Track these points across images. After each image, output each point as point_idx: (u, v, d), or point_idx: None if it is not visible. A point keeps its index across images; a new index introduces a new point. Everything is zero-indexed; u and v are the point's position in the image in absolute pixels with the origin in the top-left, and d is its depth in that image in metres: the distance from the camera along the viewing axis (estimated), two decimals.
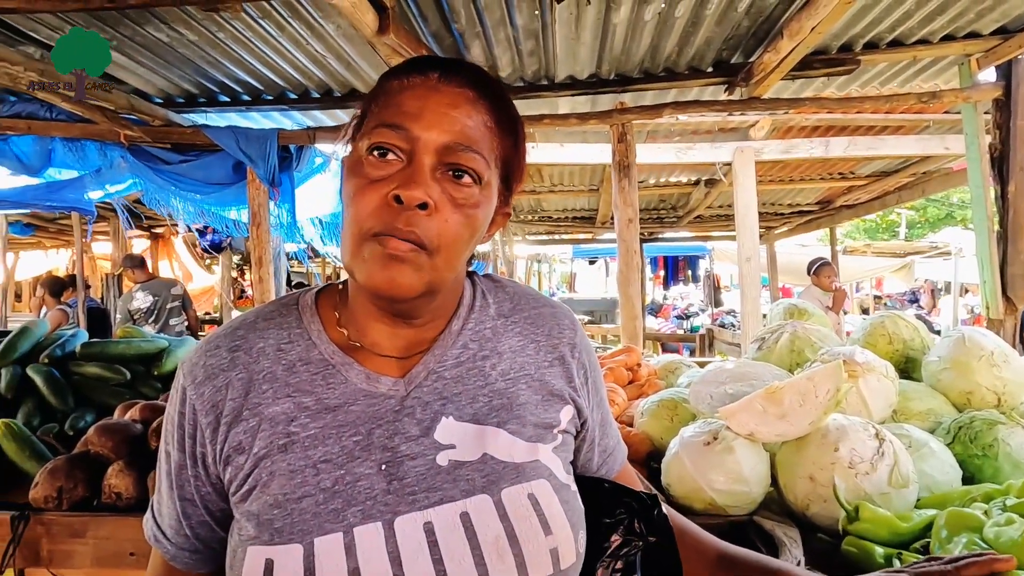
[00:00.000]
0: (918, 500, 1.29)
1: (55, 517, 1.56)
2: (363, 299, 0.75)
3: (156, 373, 2.31)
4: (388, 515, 0.68)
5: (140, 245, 9.26)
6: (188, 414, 0.73)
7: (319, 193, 4.15)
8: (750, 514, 1.40)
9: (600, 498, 0.84)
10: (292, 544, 0.66)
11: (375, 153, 0.69)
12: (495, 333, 0.81)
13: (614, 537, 0.81)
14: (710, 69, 3.22)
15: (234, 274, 10.42)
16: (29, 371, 2.15)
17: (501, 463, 0.73)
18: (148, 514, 0.80)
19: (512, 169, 0.77)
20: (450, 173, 0.69)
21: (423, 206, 0.67)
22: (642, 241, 10.90)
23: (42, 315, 6.43)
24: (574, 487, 0.79)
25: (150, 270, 6.02)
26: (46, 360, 2.20)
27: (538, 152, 4.37)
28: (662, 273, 15.97)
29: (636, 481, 0.95)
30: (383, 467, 0.70)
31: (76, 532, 1.57)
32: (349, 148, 0.75)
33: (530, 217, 9.10)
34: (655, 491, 0.89)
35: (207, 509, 0.75)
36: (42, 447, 1.82)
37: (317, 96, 3.41)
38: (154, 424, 1.75)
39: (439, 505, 0.69)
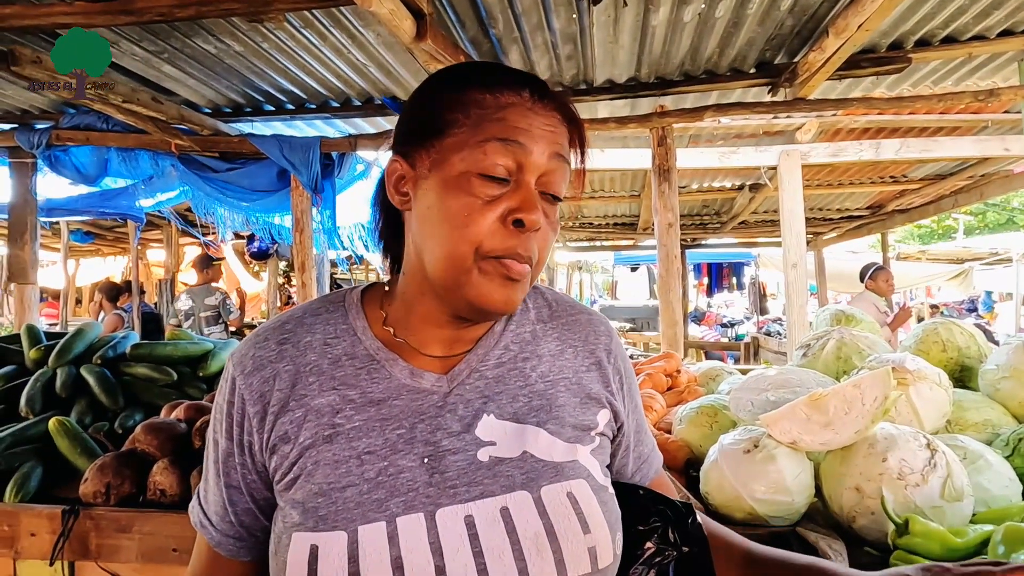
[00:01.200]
0: (974, 515, 1.22)
1: (103, 512, 1.61)
2: (427, 303, 0.77)
3: (201, 374, 2.37)
4: (430, 507, 0.69)
5: (192, 253, 9.56)
6: (237, 403, 0.76)
7: (360, 200, 4.22)
8: (792, 525, 1.36)
9: (635, 504, 0.84)
10: (336, 531, 0.67)
11: (494, 173, 0.71)
12: (535, 337, 0.83)
13: (648, 544, 0.80)
14: (753, 70, 3.15)
15: (281, 280, 10.67)
16: (83, 371, 2.23)
17: (541, 461, 0.74)
18: (194, 501, 0.82)
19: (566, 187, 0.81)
20: (545, 194, 0.73)
21: (537, 229, 0.71)
22: (685, 247, 10.74)
23: (100, 319, 6.70)
24: (611, 489, 0.79)
25: (208, 277, 6.15)
26: (98, 361, 2.27)
27: None
28: (706, 280, 15.69)
29: (671, 489, 0.94)
30: (425, 460, 0.72)
31: (122, 527, 1.61)
32: (431, 156, 0.73)
33: (571, 223, 9.06)
34: (691, 499, 0.88)
35: (252, 497, 0.77)
36: (93, 444, 1.88)
37: (358, 104, 3.47)
38: (198, 423, 1.79)
39: (480, 499, 0.70)
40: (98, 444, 1.91)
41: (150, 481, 1.67)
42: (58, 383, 2.17)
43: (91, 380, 2.19)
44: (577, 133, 0.77)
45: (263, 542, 0.77)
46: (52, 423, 1.87)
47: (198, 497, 0.82)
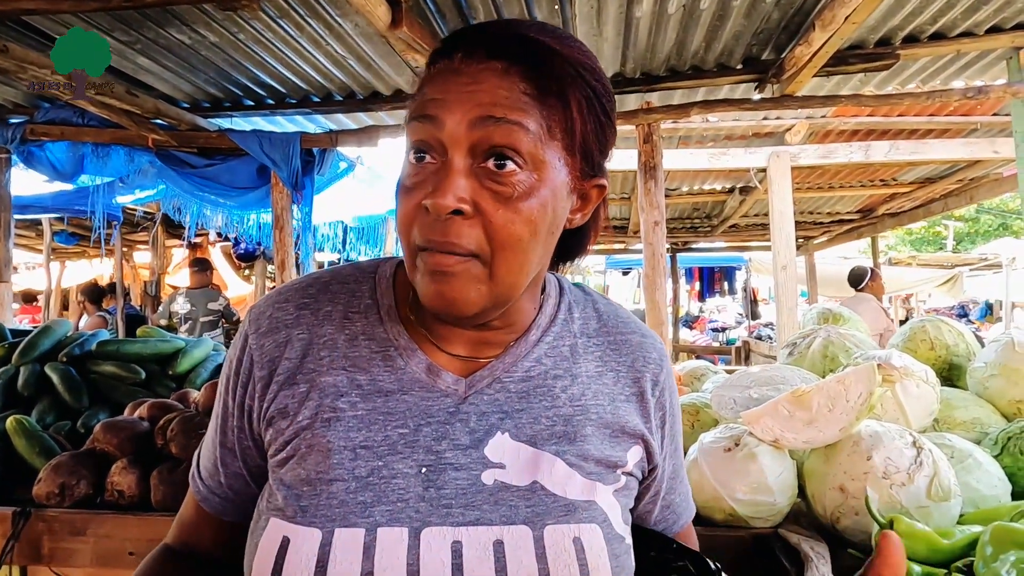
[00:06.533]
0: (961, 515, 1.18)
1: (56, 514, 1.54)
2: None
3: (171, 373, 2.30)
4: (417, 523, 0.63)
5: (179, 254, 9.45)
6: (246, 363, 0.71)
7: (344, 198, 4.15)
8: (775, 527, 1.31)
9: (653, 553, 0.76)
10: (312, 528, 0.62)
11: (412, 155, 0.63)
12: (573, 352, 0.74)
13: None
14: (740, 66, 3.12)
15: (270, 283, 10.55)
16: (47, 369, 2.16)
17: (551, 496, 0.66)
18: (197, 451, 0.79)
19: (578, 136, 0.64)
20: (490, 164, 0.60)
21: (457, 212, 0.59)
22: (676, 251, 10.73)
23: (82, 322, 6.59)
24: (629, 540, 0.71)
25: (205, 279, 6.05)
26: (64, 359, 2.21)
27: None
28: (698, 285, 15.70)
29: (695, 545, 0.86)
30: (423, 470, 0.65)
31: (77, 530, 1.54)
32: None
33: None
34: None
35: (245, 463, 0.73)
36: (52, 444, 1.81)
37: (340, 99, 3.41)
38: (161, 422, 1.73)
39: (473, 526, 0.64)
40: (57, 444, 1.84)
41: (108, 481, 1.60)
42: (20, 381, 2.11)
43: (55, 378, 2.12)
44: (537, 69, 0.61)
45: (249, 505, 0.73)
46: (9, 422, 1.81)
47: (200, 447, 0.79)
